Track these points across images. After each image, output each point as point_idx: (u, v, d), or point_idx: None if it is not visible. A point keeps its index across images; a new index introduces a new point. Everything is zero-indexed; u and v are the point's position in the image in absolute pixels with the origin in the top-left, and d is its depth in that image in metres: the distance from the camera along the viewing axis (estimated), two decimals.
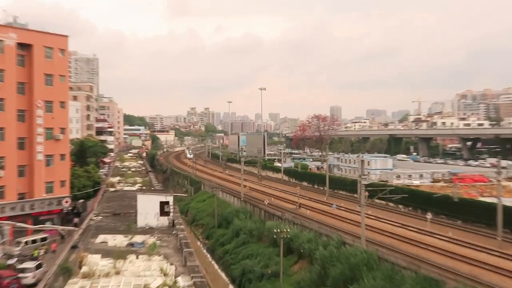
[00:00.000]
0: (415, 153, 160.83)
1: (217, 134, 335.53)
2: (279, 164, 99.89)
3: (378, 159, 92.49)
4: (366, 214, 40.90)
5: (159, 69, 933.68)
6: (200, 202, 69.29)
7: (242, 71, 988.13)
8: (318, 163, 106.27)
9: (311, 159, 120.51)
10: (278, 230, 35.58)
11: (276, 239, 36.48)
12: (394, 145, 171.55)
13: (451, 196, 47.09)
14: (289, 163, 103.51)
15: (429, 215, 43.57)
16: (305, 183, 78.70)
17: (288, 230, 36.81)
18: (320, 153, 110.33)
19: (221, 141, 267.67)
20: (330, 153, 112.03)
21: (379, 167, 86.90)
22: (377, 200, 50.50)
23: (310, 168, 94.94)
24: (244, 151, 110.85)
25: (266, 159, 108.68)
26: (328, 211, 50.75)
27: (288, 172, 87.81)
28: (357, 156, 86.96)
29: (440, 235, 37.79)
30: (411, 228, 40.92)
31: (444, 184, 71.89)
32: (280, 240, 33.92)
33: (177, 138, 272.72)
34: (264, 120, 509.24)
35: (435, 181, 76.52)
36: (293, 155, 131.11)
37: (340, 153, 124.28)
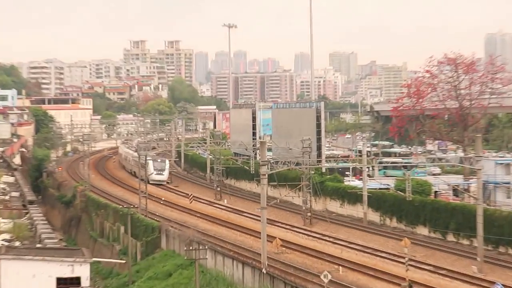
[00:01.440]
0: None
1: (200, 107, 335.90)
2: (356, 182, 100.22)
3: None
4: None
5: None
6: (159, 280, 70.04)
7: None
8: (457, 179, 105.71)
9: (437, 168, 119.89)
10: None
11: None
12: None
13: None
14: (380, 180, 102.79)
15: None
16: (422, 230, 78.80)
17: None
18: (463, 153, 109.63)
19: (210, 123, 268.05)
20: (489, 152, 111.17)
21: None
22: None
23: (435, 192, 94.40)
24: (269, 149, 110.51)
25: (322, 171, 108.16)
26: None
27: (378, 201, 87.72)
28: None
29: None
30: None
31: None
32: None
33: (100, 118, 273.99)
34: (319, 71, 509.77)
35: None
36: (388, 158, 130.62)
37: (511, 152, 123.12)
